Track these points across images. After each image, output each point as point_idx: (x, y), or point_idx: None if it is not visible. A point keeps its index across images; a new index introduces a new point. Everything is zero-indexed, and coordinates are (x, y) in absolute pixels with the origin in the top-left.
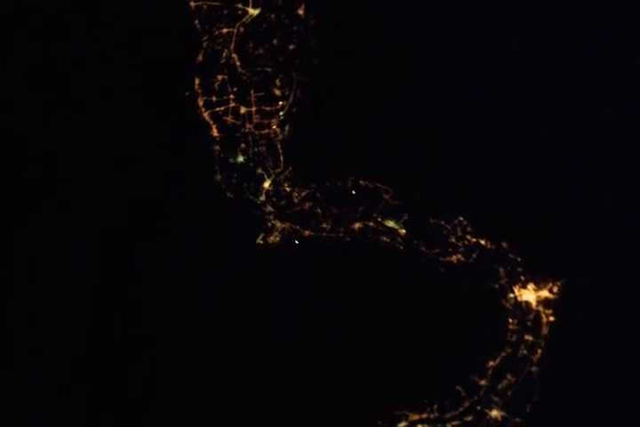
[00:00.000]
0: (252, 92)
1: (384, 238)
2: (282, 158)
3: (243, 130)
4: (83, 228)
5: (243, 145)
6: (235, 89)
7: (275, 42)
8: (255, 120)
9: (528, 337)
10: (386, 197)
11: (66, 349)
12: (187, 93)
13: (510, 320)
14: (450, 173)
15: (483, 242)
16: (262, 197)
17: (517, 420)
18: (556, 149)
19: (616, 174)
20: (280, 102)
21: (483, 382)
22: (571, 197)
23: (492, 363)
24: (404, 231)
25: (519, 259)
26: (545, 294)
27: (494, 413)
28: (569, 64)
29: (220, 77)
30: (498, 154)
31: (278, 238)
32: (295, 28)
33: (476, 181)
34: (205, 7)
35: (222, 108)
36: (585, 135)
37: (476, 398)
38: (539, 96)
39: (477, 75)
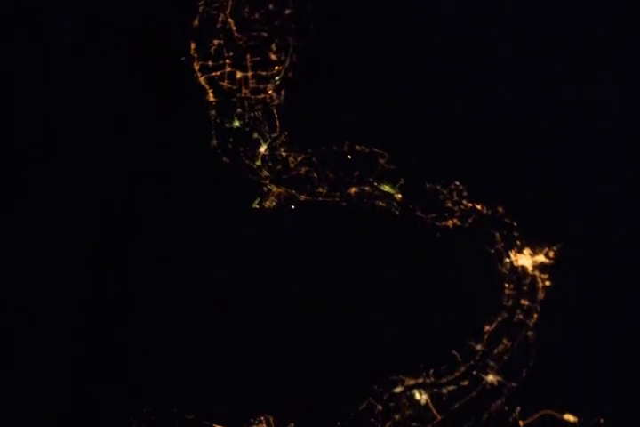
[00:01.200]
0: (247, 56)
1: (380, 203)
2: (278, 123)
3: (239, 95)
4: (81, 190)
5: (239, 110)
6: (231, 54)
7: (271, 6)
8: (251, 85)
9: (524, 302)
10: (382, 161)
11: (64, 314)
12: (183, 58)
13: (506, 285)
14: (446, 137)
15: (479, 207)
16: (258, 162)
17: (513, 384)
18: (554, 114)
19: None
20: (276, 67)
21: (479, 347)
22: (567, 161)
23: (487, 328)
24: (399, 196)
25: (515, 224)
26: (541, 258)
27: (490, 377)
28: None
29: (215, 42)
30: (494, 113)
31: (274, 203)
32: None
33: (471, 145)
34: None
35: (218, 73)
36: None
37: (472, 362)
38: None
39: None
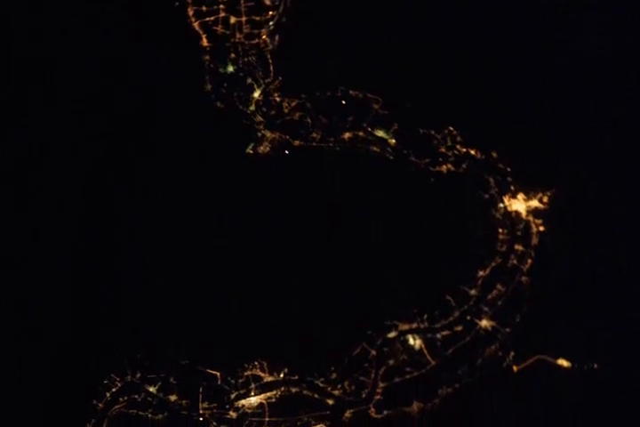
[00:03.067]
0: (241, 1)
1: (374, 148)
2: (272, 68)
3: (233, 40)
4: (76, 137)
5: (233, 55)
6: None
7: None
8: (245, 30)
9: (518, 247)
10: (376, 106)
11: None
12: (176, 3)
13: (500, 230)
14: (440, 83)
15: (473, 152)
16: (252, 107)
17: (507, 330)
18: (547, 53)
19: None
20: (270, 12)
21: (473, 292)
22: (562, 106)
23: (481, 273)
24: (393, 141)
25: (509, 169)
26: (535, 203)
27: (484, 322)
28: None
29: None
30: (488, 59)
31: (268, 148)
32: None
33: (465, 90)
34: None
35: (212, 18)
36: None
37: (466, 308)
38: None
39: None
